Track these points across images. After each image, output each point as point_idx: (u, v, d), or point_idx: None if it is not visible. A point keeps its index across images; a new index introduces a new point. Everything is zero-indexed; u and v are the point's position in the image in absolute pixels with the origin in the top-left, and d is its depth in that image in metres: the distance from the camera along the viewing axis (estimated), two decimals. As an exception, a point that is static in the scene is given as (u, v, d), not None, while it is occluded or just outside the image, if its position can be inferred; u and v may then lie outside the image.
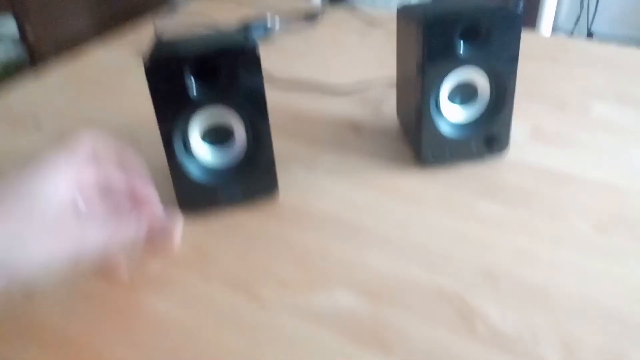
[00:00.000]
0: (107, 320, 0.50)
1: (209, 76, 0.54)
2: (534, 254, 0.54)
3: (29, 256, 0.40)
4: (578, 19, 2.43)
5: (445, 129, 0.64)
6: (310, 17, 1.10)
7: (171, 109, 0.55)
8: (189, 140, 0.58)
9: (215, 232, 0.59)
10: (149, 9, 1.17)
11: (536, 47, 0.94)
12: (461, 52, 0.59)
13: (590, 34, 2.44)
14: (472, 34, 0.59)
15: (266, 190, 0.62)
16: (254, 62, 0.54)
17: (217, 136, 0.59)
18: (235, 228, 0.59)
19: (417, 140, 0.65)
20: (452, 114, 0.64)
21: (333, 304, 0.50)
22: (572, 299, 0.49)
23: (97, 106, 0.85)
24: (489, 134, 0.65)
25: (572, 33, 2.45)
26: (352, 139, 0.73)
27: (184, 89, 0.53)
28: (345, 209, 0.61)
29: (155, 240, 0.50)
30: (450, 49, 0.59)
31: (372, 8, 1.13)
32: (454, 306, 0.49)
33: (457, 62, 0.60)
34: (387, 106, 0.79)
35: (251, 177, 0.61)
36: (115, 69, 0.96)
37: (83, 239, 0.43)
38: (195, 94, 0.54)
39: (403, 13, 0.65)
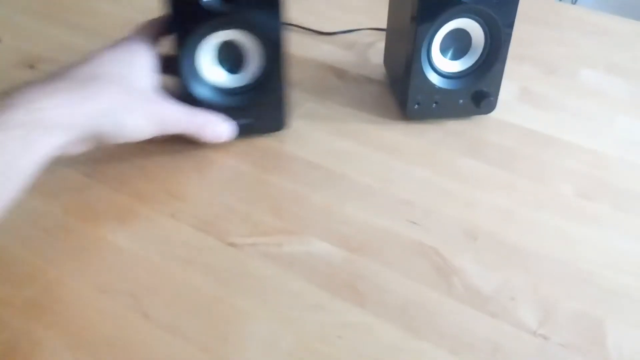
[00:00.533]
0: (72, 255, 0.47)
1: None
2: (515, 214, 0.53)
3: (124, 128, 0.48)
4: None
5: (434, 80, 0.61)
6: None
7: (185, 18, 0.51)
8: (198, 58, 0.54)
9: (187, 171, 0.55)
10: None
11: (527, 8, 0.91)
12: (460, -2, 0.56)
13: (574, 2, 2.42)
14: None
15: (274, 125, 0.59)
16: None
17: (229, 58, 0.55)
18: (209, 168, 0.56)
19: (404, 91, 0.62)
20: (443, 65, 0.61)
21: (308, 252, 0.48)
22: (551, 262, 0.48)
23: (68, 29, 0.78)
24: (478, 90, 0.62)
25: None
26: (336, 84, 0.70)
27: None
28: (325, 157, 0.58)
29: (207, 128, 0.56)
30: (449, -5, 0.55)
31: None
32: (431, 261, 0.48)
33: (454, 10, 0.57)
34: (374, 53, 0.76)
35: (260, 108, 0.57)
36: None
37: (165, 115, 0.51)
38: (209, 2, 0.50)
39: (401, -48, 0.61)
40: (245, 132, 0.58)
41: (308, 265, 0.46)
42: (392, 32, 0.67)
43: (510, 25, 0.59)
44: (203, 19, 0.51)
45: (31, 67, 0.70)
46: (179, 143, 0.57)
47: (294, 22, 0.81)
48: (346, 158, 0.58)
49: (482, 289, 0.46)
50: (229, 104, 0.56)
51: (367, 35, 0.80)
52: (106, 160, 0.55)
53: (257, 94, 0.57)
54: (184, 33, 0.51)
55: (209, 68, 0.55)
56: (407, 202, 0.53)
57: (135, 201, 0.52)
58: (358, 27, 0.81)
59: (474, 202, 0.54)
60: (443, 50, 0.61)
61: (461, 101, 0.63)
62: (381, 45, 0.71)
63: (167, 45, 0.53)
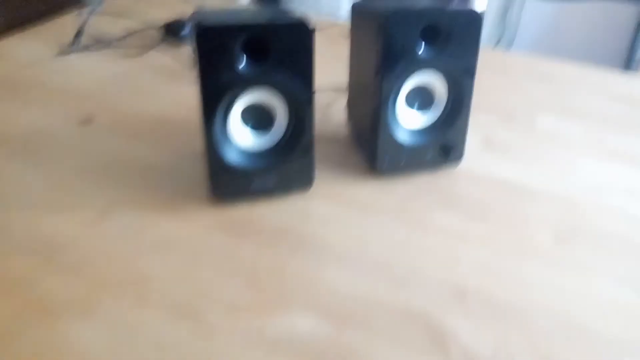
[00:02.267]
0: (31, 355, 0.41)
1: (258, 51, 0.50)
2: (498, 267, 0.51)
3: None
4: (499, 41, 2.54)
5: (401, 135, 0.60)
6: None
7: (216, 81, 0.50)
8: (228, 122, 0.53)
9: (152, 247, 0.51)
10: (69, 6, 1.06)
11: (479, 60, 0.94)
12: (421, 53, 0.56)
13: (509, 48, 2.55)
14: (432, 34, 0.56)
15: (302, 182, 0.58)
16: (308, 39, 0.51)
17: (256, 120, 0.55)
18: (176, 242, 0.52)
19: (372, 148, 0.61)
20: (408, 120, 0.61)
21: (291, 329, 0.44)
22: (543, 315, 0.46)
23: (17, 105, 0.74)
24: (445, 142, 0.62)
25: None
26: (300, 145, 0.68)
27: (233, 61, 0.49)
28: (298, 220, 0.55)
29: None
30: (411, 49, 0.55)
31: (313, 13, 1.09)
32: (423, 327, 0.45)
33: (417, 63, 0.57)
34: (334, 112, 0.75)
35: (288, 168, 0.56)
36: (32, 63, 0.85)
37: None
38: (244, 67, 0.50)
39: (358, 10, 0.61)
40: (272, 191, 0.57)
41: (293, 348, 0.43)
42: (354, 91, 0.66)
43: (472, 78, 0.59)
44: (236, 84, 0.51)
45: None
46: (141, 216, 0.53)
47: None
48: (320, 220, 0.56)
49: (480, 354, 0.43)
50: (258, 165, 0.55)
51: (326, 95, 0.79)
52: (59, 245, 0.51)
53: (285, 154, 0.56)
54: (216, 98, 0.51)
55: (237, 131, 0.54)
56: (388, 263, 0.51)
57: (97, 288, 0.47)
58: (318, 88, 0.80)
59: (456, 258, 0.52)
60: (408, 105, 0.60)
61: (429, 154, 0.62)
62: (340, 103, 0.71)
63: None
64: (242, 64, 0.50)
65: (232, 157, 0.54)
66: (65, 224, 0.53)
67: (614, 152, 0.70)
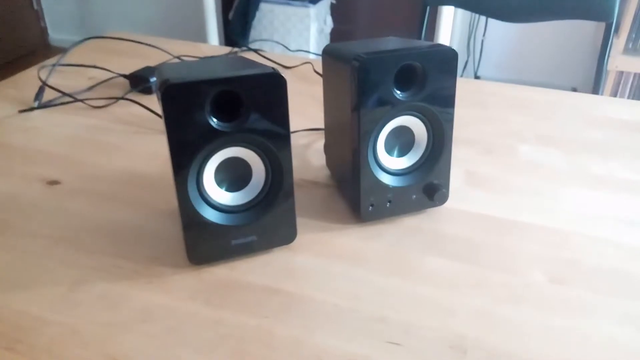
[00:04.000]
0: None
1: (229, 104, 0.48)
2: (496, 315, 0.49)
3: None
4: (466, 65, 2.58)
5: (385, 179, 0.58)
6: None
7: (187, 140, 0.47)
8: (202, 178, 0.50)
9: (129, 324, 0.47)
10: (29, 61, 1.03)
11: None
12: (397, 95, 0.55)
13: (477, 77, 2.59)
14: (407, 76, 0.55)
15: (284, 236, 0.55)
16: (281, 90, 0.49)
17: (233, 173, 0.52)
18: (154, 315, 0.48)
19: (355, 193, 0.59)
20: (390, 163, 0.59)
21: (284, 403, 0.41)
22: (548, 364, 0.44)
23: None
24: (429, 183, 0.60)
25: (461, 77, 2.59)
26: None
27: (203, 117, 0.47)
28: (283, 279, 0.52)
29: None
30: (387, 92, 0.54)
31: (273, 52, 1.08)
32: (424, 388, 0.42)
33: (394, 106, 0.55)
34: (312, 154, 0.73)
35: (268, 223, 0.53)
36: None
37: None
38: (215, 123, 0.48)
39: (330, 54, 0.59)
40: (253, 249, 0.54)
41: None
42: (332, 135, 0.65)
43: (451, 116, 0.58)
44: (207, 141, 0.48)
45: None
46: (114, 287, 0.49)
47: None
48: (306, 276, 0.53)
49: (487, 415, 0.40)
50: (237, 222, 0.52)
51: (303, 137, 0.77)
52: (29, 326, 0.47)
53: (265, 208, 0.53)
54: (188, 157, 0.48)
55: (213, 188, 0.52)
56: (381, 319, 0.48)
57: (68, 372, 0.43)
58: (294, 130, 0.78)
59: (451, 308, 0.50)
60: (388, 148, 0.58)
61: (414, 196, 0.60)
62: (318, 144, 0.69)
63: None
64: (212, 120, 0.48)
65: (208, 216, 0.51)
66: (32, 303, 0.49)
67: (597, 179, 0.69)
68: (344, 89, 0.56)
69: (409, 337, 0.46)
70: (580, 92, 1.11)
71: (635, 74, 2.18)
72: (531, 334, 0.47)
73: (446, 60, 0.55)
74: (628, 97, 2.21)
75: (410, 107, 0.56)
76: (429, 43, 0.57)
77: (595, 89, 1.28)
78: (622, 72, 2.17)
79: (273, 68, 0.49)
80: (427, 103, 0.56)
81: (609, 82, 2.18)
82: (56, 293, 0.50)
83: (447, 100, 0.57)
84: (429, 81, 0.55)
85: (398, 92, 0.55)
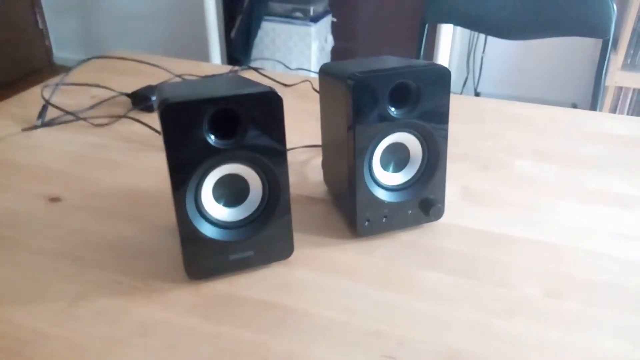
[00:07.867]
0: None
1: (226, 123, 0.49)
2: (491, 329, 0.50)
3: None
4: (465, 81, 2.60)
5: (380, 195, 0.59)
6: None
7: (185, 158, 0.48)
8: (200, 195, 0.51)
9: (126, 338, 0.48)
10: (34, 79, 1.05)
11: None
12: (392, 112, 0.56)
13: (477, 94, 2.61)
14: (402, 94, 0.56)
15: (281, 252, 0.56)
16: (277, 109, 0.50)
17: (231, 190, 0.53)
18: (152, 330, 0.49)
19: (351, 209, 0.59)
20: (386, 179, 0.60)
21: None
22: (542, 378, 0.45)
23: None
24: (425, 198, 0.61)
25: (461, 94, 2.61)
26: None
27: (201, 136, 0.48)
28: (279, 293, 0.53)
29: None
30: (382, 110, 0.55)
31: (275, 71, 1.10)
32: (419, 402, 0.43)
33: (389, 123, 0.56)
34: (311, 170, 0.74)
35: (266, 238, 0.54)
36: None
37: None
38: (213, 141, 0.49)
39: (326, 73, 0.61)
40: (251, 264, 0.55)
41: None
42: (329, 152, 0.66)
43: (445, 132, 0.59)
44: (205, 158, 0.49)
45: None
46: (114, 302, 0.50)
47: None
48: (302, 290, 0.54)
49: None
50: (234, 238, 0.53)
51: (302, 153, 0.78)
52: (30, 340, 0.47)
53: (262, 224, 0.54)
54: (186, 174, 0.49)
55: (211, 204, 0.53)
56: (377, 333, 0.49)
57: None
58: (293, 146, 0.79)
59: (447, 321, 0.50)
60: (384, 164, 0.59)
61: (410, 211, 0.61)
62: (316, 160, 0.70)
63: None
64: (210, 138, 0.49)
65: (206, 231, 0.52)
66: (33, 317, 0.50)
67: (593, 194, 0.70)
68: (340, 107, 0.57)
69: (404, 351, 0.47)
70: (580, 107, 1.12)
71: (634, 89, 2.19)
72: (526, 347, 0.48)
73: (440, 79, 0.56)
74: (627, 112, 2.23)
75: (405, 124, 0.57)
76: (424, 62, 0.58)
77: (594, 104, 1.29)
78: (621, 88, 2.19)
79: (270, 87, 0.50)
80: (421, 120, 0.57)
81: (608, 98, 2.19)
82: (57, 307, 0.51)
83: (442, 117, 0.58)
84: (423, 99, 0.56)
85: (393, 109, 0.56)
